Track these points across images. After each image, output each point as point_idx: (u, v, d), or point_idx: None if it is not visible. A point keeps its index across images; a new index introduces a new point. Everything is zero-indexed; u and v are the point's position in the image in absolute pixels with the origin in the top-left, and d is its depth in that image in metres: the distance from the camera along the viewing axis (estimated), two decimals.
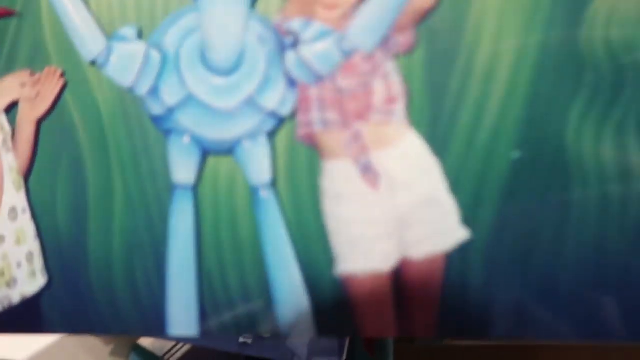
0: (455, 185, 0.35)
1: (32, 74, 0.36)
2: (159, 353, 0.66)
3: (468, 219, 0.35)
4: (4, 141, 0.37)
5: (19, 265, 0.37)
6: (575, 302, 0.35)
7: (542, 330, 0.36)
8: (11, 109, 0.37)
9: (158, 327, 0.36)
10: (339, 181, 0.36)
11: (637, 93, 0.33)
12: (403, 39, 0.35)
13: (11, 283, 0.37)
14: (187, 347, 0.66)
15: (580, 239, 0.35)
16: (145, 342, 0.69)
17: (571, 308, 0.35)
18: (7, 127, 0.37)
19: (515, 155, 0.35)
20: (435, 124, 0.35)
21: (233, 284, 0.37)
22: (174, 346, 0.66)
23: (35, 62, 0.36)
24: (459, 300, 0.36)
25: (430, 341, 0.56)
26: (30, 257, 0.37)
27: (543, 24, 0.34)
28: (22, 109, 0.37)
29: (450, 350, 0.57)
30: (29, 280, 0.37)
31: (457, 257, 0.36)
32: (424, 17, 0.34)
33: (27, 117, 0.37)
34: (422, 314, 0.36)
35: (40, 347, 0.64)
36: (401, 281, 0.36)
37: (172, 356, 0.66)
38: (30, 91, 0.36)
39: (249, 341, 0.50)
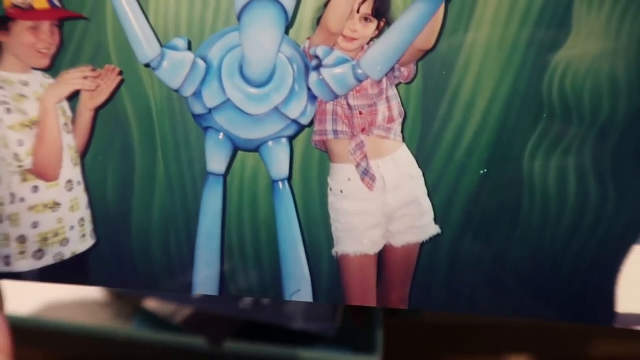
0: (434, 191, 0.45)
1: (94, 69, 0.43)
2: (162, 317, 0.72)
3: (440, 218, 0.45)
4: (65, 124, 0.44)
5: (72, 228, 0.44)
6: (515, 286, 0.46)
7: (488, 308, 0.46)
8: (73, 97, 0.44)
9: (185, 287, 0.45)
10: (342, 181, 0.44)
11: (578, 135, 0.43)
12: (405, 71, 0.43)
13: (64, 242, 0.44)
14: (189, 312, 0.73)
15: (524, 238, 0.45)
16: (149, 305, 0.74)
17: (513, 291, 0.46)
18: (68, 112, 0.44)
19: (483, 170, 0.44)
20: (423, 142, 0.44)
21: (249, 255, 0.45)
22: (177, 310, 0.73)
23: (97, 60, 0.43)
24: (427, 281, 0.46)
25: (409, 315, 0.62)
26: (82, 222, 0.45)
27: (516, 68, 0.43)
28: (82, 98, 0.43)
29: (435, 328, 0.64)
30: (80, 241, 0.45)
31: (429, 247, 0.46)
32: (423, 56, 0.43)
33: (87, 106, 0.43)
34: (397, 289, 0.46)
35: (43, 306, 0.69)
36: (383, 263, 0.46)
37: (174, 320, 0.72)
38: (91, 84, 0.42)
39: (249, 308, 0.58)
